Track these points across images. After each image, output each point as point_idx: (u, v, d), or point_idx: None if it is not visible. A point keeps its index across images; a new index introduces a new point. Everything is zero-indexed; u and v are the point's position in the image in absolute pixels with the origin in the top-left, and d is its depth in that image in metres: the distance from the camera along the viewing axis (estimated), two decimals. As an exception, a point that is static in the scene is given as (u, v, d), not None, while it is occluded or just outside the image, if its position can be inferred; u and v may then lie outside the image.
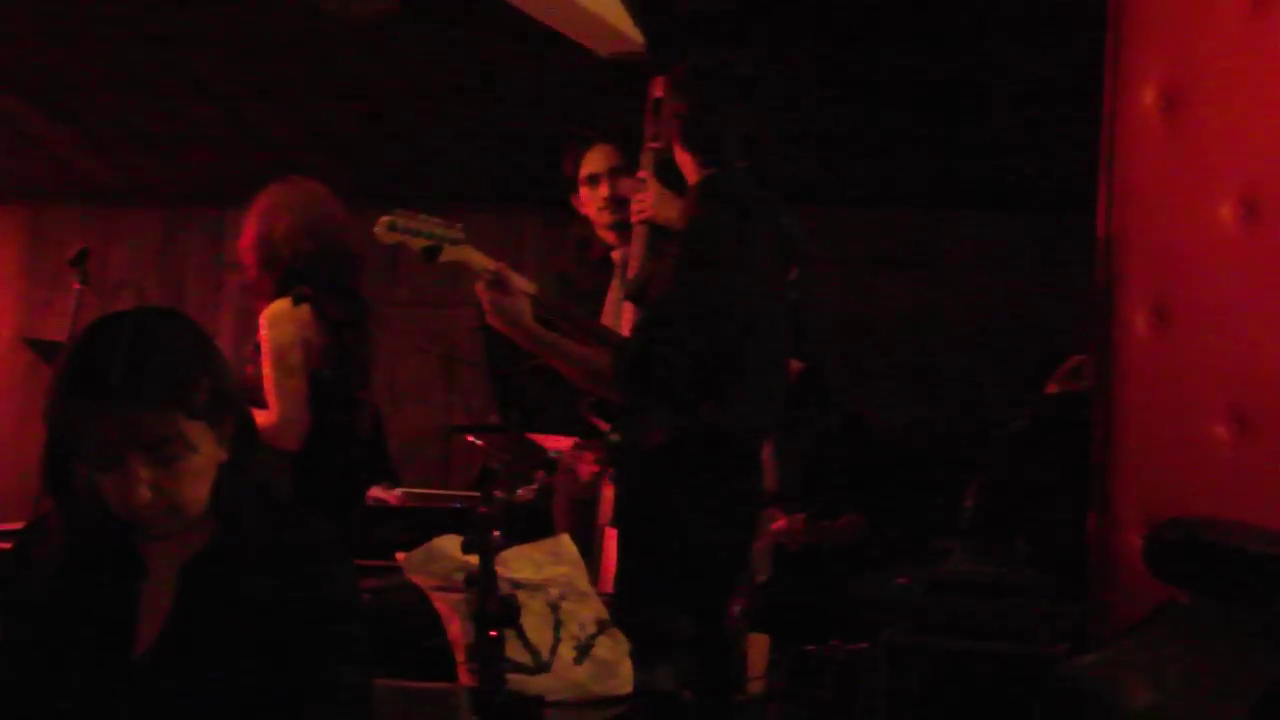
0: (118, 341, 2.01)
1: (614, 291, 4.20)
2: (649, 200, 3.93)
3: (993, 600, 3.88)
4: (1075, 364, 4.42)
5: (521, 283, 3.68)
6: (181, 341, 2.07)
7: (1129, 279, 3.69)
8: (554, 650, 3.07)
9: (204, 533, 2.11)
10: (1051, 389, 4.51)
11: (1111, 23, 3.74)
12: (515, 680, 2.91)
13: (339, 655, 2.10)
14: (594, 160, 4.29)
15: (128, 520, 2.05)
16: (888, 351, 6.07)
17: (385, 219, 3.53)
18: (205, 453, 2.05)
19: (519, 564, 3.10)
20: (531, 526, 4.04)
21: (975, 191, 5.92)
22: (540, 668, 3.04)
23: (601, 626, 3.17)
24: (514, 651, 2.95)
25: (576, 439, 4.21)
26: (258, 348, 4.02)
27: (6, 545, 2.22)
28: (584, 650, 3.12)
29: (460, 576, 2.80)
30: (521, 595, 2.90)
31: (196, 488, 2.06)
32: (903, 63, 5.33)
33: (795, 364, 4.58)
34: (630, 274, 4.00)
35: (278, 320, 4.00)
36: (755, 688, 3.88)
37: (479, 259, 3.65)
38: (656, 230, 3.95)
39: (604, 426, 3.79)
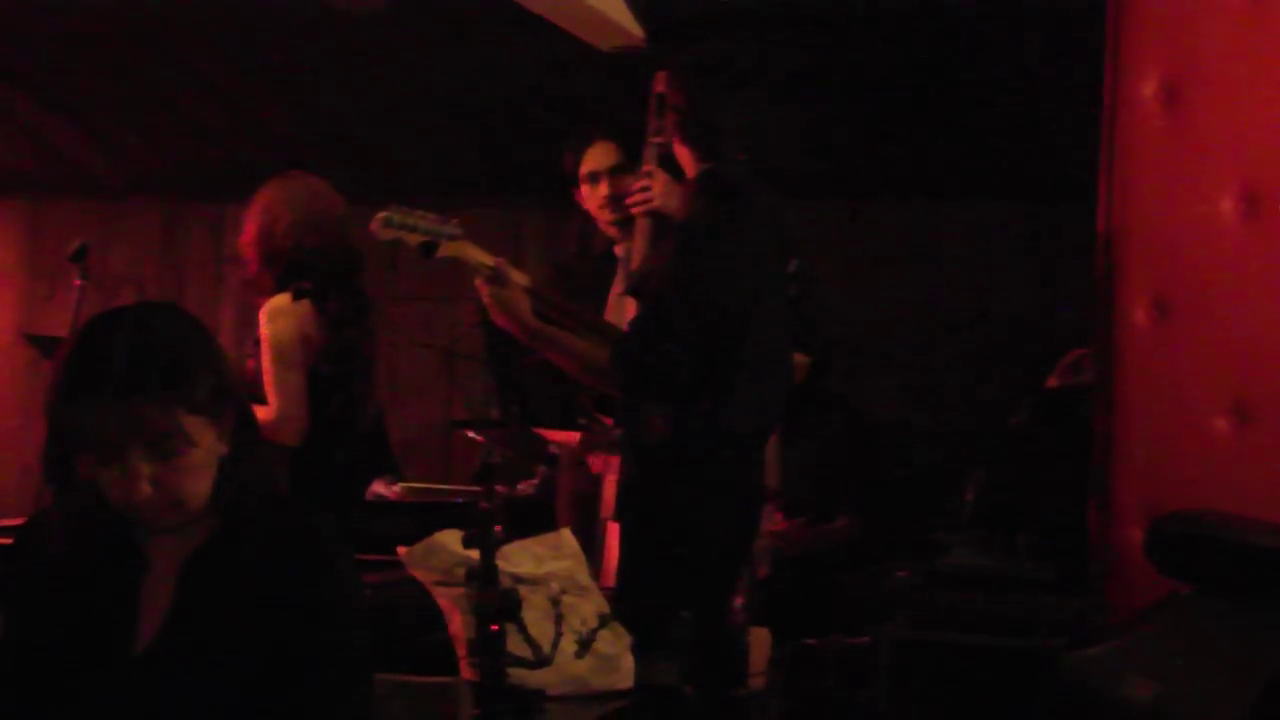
0: (118, 336, 2.01)
1: (617, 286, 4.20)
2: (657, 190, 3.93)
3: (994, 594, 3.88)
4: (1076, 357, 4.42)
5: (519, 277, 3.68)
6: (182, 336, 2.07)
7: (1129, 272, 3.69)
8: (555, 645, 3.07)
9: (205, 527, 2.11)
10: (1052, 383, 4.51)
11: (1111, 15, 3.74)
12: (516, 675, 2.91)
13: (340, 650, 2.10)
14: (594, 158, 4.29)
15: (128, 515, 2.05)
16: (886, 345, 6.07)
17: (381, 215, 3.53)
18: (206, 447, 2.05)
19: (520, 558, 3.10)
20: (533, 521, 4.04)
21: (974, 184, 5.91)
22: (541, 662, 3.04)
23: (603, 621, 3.17)
24: (515, 646, 2.95)
25: (582, 434, 4.21)
26: (257, 342, 4.02)
27: (8, 540, 2.22)
28: (585, 645, 3.12)
29: (461, 571, 2.80)
30: (522, 590, 2.90)
31: (197, 482, 2.06)
32: (902, 56, 5.32)
33: (800, 359, 4.57)
34: (633, 268, 4.00)
35: (278, 315, 4.00)
36: (757, 682, 3.89)
37: (476, 254, 3.65)
38: (659, 224, 3.95)
39: (608, 422, 3.80)
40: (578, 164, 4.31)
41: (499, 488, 2.64)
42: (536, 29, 5.11)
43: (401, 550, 3.14)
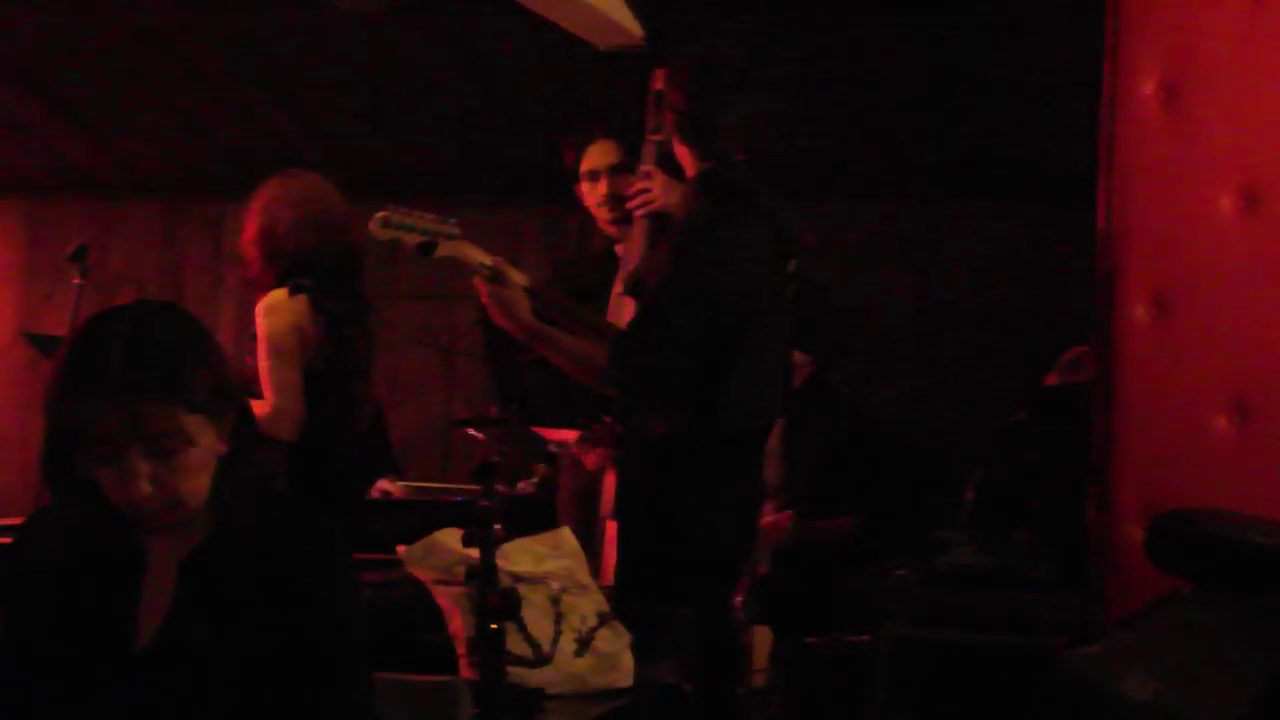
0: (117, 335, 2.01)
1: (618, 285, 4.20)
2: (657, 190, 3.92)
3: (993, 592, 3.88)
4: (1075, 355, 4.42)
5: (518, 276, 3.68)
6: (181, 335, 2.07)
7: (1129, 270, 3.69)
8: (555, 643, 3.07)
9: (204, 526, 2.11)
10: (1051, 380, 4.51)
11: (1111, 14, 3.74)
12: (516, 673, 2.91)
13: (339, 648, 2.10)
14: (594, 157, 4.29)
15: (128, 514, 2.05)
16: (887, 343, 6.07)
17: (380, 215, 3.53)
18: (205, 446, 2.05)
19: (519, 557, 3.10)
20: (533, 519, 4.03)
21: (974, 184, 5.91)
22: (541, 661, 3.04)
23: (602, 619, 3.17)
24: (515, 645, 2.95)
25: (580, 432, 4.21)
26: (254, 338, 4.02)
27: (7, 540, 2.22)
28: (585, 643, 3.12)
29: (461, 570, 2.80)
30: (522, 588, 2.91)
31: (196, 481, 2.06)
32: (902, 55, 5.32)
33: (801, 358, 4.58)
34: (631, 267, 4.00)
35: (273, 309, 4.00)
36: (756, 681, 3.89)
37: (475, 254, 3.65)
38: (657, 223, 3.94)
39: (608, 420, 3.80)
40: (578, 161, 4.32)
41: (498, 486, 2.64)
42: (536, 28, 5.11)
43: (401, 549, 3.14)
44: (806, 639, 4.37)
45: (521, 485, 5.16)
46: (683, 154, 3.73)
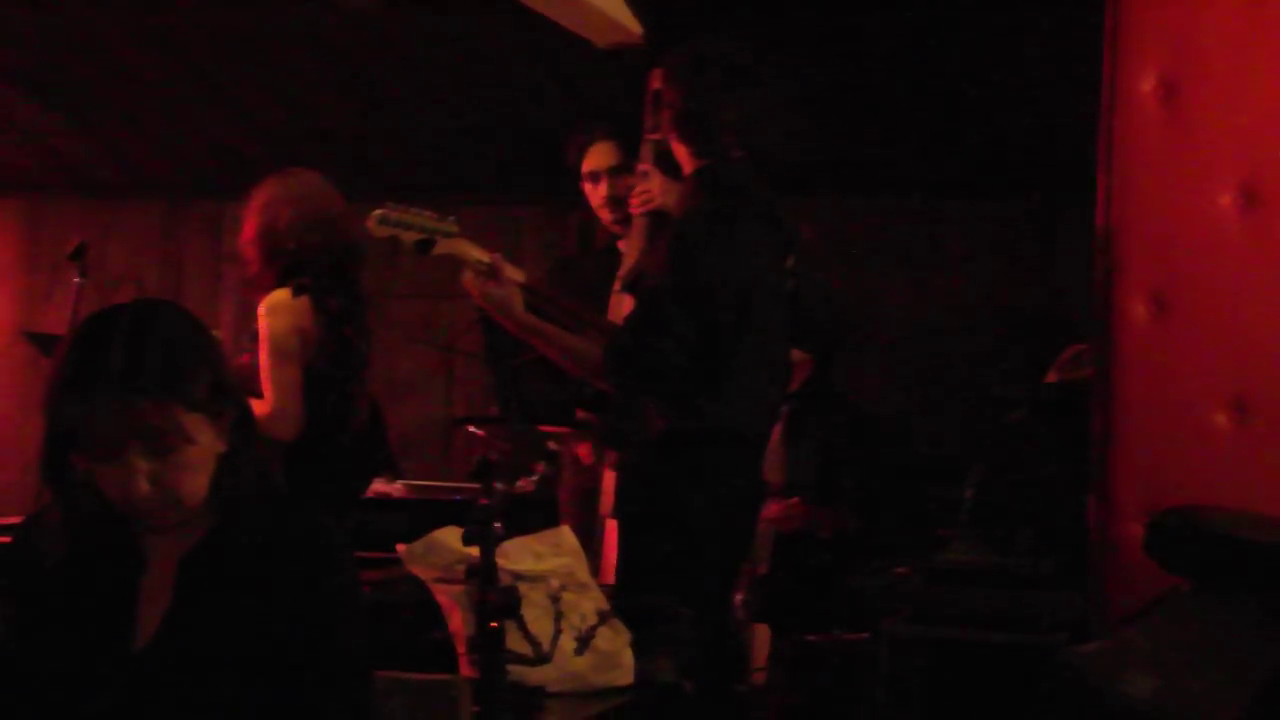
0: (116, 334, 2.01)
1: (620, 281, 4.20)
2: (655, 190, 3.93)
3: (993, 589, 3.88)
4: (1075, 352, 4.42)
5: (514, 273, 3.67)
6: (180, 334, 2.07)
7: (1128, 267, 3.69)
8: (555, 641, 3.07)
9: (203, 525, 2.11)
10: (1051, 378, 4.51)
11: (1110, 11, 3.74)
12: (516, 671, 2.91)
13: (339, 647, 2.10)
14: (595, 157, 4.31)
15: (127, 513, 2.05)
16: (887, 341, 6.07)
17: (378, 213, 3.53)
18: (204, 445, 2.05)
19: (519, 555, 3.10)
20: (532, 517, 4.04)
21: (974, 181, 5.91)
22: (541, 659, 3.04)
23: (602, 617, 3.17)
24: (515, 643, 2.96)
25: (569, 430, 4.22)
26: (254, 337, 4.02)
27: (7, 539, 2.22)
28: (585, 641, 3.12)
29: (461, 568, 2.80)
30: (522, 587, 2.91)
31: (195, 480, 2.06)
32: (902, 54, 5.32)
33: (800, 356, 4.58)
34: (629, 264, 4.00)
35: (276, 309, 4.00)
36: (756, 679, 3.89)
37: (473, 251, 3.64)
38: (656, 221, 3.95)
39: (593, 419, 3.80)
40: (580, 160, 4.33)
41: (498, 485, 2.64)
42: (535, 26, 5.11)
43: (401, 547, 3.14)
44: (806, 637, 4.37)
45: (521, 483, 5.16)
46: (679, 150, 3.73)
